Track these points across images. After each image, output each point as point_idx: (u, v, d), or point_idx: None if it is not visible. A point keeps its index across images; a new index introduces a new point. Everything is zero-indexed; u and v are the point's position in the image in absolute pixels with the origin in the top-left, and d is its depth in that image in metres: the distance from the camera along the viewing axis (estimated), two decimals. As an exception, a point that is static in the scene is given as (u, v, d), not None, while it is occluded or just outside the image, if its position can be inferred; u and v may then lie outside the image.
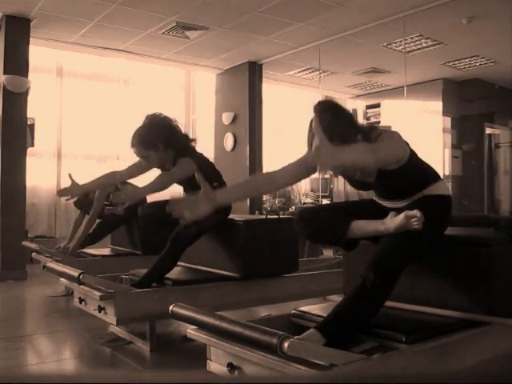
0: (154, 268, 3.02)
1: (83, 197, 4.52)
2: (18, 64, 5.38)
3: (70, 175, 3.60)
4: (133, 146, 3.10)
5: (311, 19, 5.46)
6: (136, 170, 3.31)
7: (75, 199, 4.65)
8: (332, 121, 1.95)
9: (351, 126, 2.04)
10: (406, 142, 2.08)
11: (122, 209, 3.72)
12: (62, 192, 3.45)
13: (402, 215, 1.93)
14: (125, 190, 3.06)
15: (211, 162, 3.38)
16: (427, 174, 2.16)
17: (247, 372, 1.73)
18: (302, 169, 2.11)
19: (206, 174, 3.17)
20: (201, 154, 3.28)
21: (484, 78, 7.40)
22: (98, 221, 4.48)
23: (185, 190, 3.38)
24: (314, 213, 2.19)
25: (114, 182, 3.64)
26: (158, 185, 3.08)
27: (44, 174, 6.94)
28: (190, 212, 2.11)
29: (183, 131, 3.27)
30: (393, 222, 1.95)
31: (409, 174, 2.06)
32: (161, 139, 3.07)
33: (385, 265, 1.92)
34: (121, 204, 3.51)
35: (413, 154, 2.09)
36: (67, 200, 3.49)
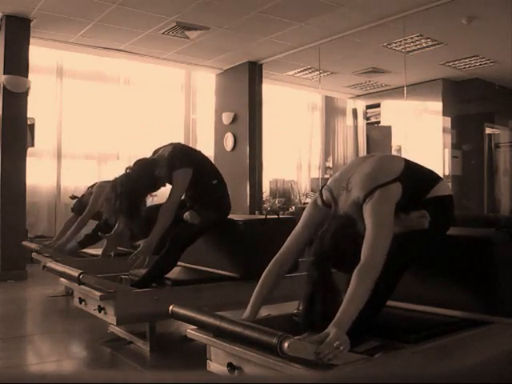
0: (154, 268, 3.02)
1: (79, 202, 4.50)
2: (17, 64, 5.38)
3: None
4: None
5: (311, 19, 5.46)
6: None
7: (72, 205, 4.63)
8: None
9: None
10: (397, 156, 2.03)
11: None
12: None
13: (407, 216, 1.93)
14: (139, 250, 2.98)
15: (206, 159, 3.28)
16: (426, 182, 2.11)
17: (247, 372, 1.72)
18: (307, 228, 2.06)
19: (204, 173, 3.17)
20: (194, 155, 3.19)
21: (484, 78, 7.39)
22: (96, 222, 4.45)
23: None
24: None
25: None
26: (164, 222, 3.00)
27: (44, 173, 6.94)
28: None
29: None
30: (398, 222, 1.95)
31: (407, 193, 1.96)
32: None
33: (387, 265, 1.91)
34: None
35: (407, 168, 2.01)
36: None
